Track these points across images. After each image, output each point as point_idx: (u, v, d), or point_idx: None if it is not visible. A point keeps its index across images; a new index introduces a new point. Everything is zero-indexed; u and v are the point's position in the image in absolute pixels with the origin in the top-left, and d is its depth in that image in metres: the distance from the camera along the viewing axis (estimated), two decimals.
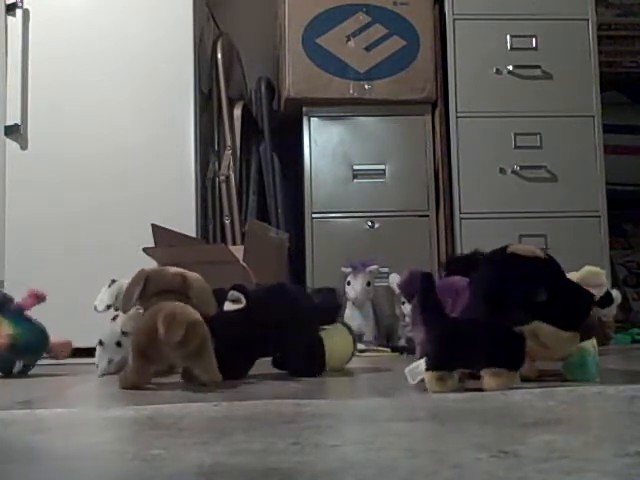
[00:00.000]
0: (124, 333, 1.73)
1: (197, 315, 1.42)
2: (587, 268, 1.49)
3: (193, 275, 1.51)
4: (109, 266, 2.37)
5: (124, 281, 1.73)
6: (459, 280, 1.62)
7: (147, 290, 1.48)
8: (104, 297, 1.77)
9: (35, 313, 2.34)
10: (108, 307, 1.76)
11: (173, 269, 1.52)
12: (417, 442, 0.79)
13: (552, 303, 1.21)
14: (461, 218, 2.63)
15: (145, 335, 1.40)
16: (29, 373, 1.90)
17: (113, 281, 1.79)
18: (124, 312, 1.58)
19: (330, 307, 1.71)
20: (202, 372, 1.43)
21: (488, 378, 1.19)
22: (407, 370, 1.30)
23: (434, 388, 1.21)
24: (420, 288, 1.29)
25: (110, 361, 1.74)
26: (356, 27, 2.74)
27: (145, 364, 1.43)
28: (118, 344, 1.74)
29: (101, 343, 1.75)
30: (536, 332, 1.23)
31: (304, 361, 1.60)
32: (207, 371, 1.42)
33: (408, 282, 1.66)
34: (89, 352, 1.78)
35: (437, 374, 1.21)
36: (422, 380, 1.25)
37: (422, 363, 1.27)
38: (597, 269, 1.53)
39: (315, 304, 1.67)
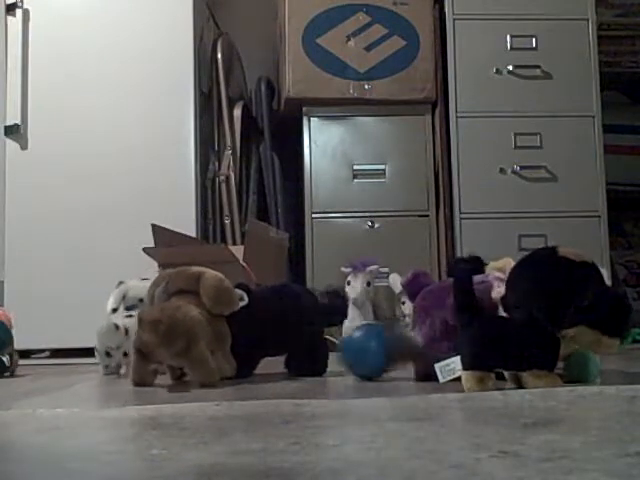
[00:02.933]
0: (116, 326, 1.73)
1: (187, 315, 1.40)
2: None
3: (209, 274, 1.50)
4: (109, 266, 2.38)
5: (130, 282, 1.75)
6: None
7: (167, 290, 1.49)
8: (111, 299, 1.78)
9: (36, 313, 2.35)
10: (114, 310, 1.76)
11: (195, 268, 1.53)
12: (417, 442, 0.78)
13: (597, 309, 1.21)
14: (461, 218, 2.63)
15: (138, 335, 1.41)
16: (27, 373, 1.90)
17: (120, 282, 1.80)
18: None
19: (335, 308, 1.71)
20: (191, 372, 1.42)
21: (531, 379, 1.20)
22: (437, 366, 1.30)
23: (473, 388, 1.21)
24: (456, 286, 1.28)
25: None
26: (356, 27, 2.74)
27: (143, 363, 1.43)
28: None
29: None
30: (578, 337, 1.23)
31: (306, 361, 1.60)
32: (196, 371, 1.41)
33: (411, 282, 1.67)
34: (89, 352, 1.78)
35: (477, 374, 1.21)
36: (456, 379, 1.25)
37: (455, 361, 1.26)
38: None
39: (320, 304, 1.67)
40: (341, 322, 1.74)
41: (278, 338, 1.58)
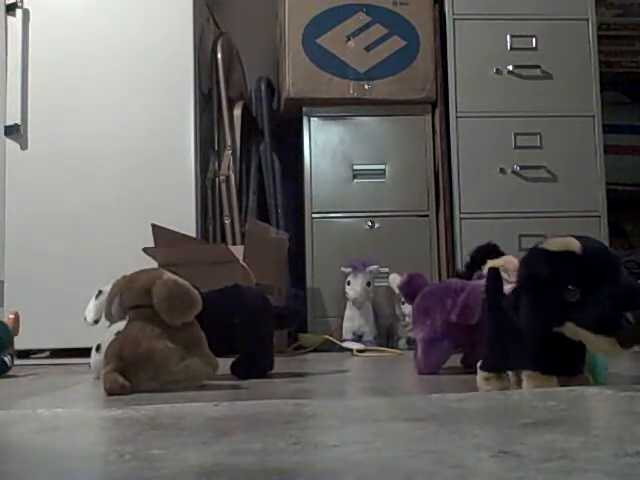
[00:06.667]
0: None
1: (148, 354, 1.37)
2: None
3: (157, 285, 1.41)
4: (109, 266, 2.37)
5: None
6: (457, 282, 1.63)
7: (123, 304, 1.45)
8: (91, 310, 1.76)
9: (36, 313, 2.35)
10: (95, 322, 1.75)
11: (143, 279, 1.45)
12: (417, 442, 0.78)
13: (585, 303, 1.10)
14: (461, 218, 2.63)
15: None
16: (27, 373, 1.90)
17: (100, 292, 1.78)
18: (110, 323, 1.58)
19: (288, 312, 1.71)
20: (173, 387, 1.39)
21: (525, 380, 1.19)
22: None
23: (484, 387, 1.24)
24: (488, 287, 1.27)
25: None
26: (356, 27, 2.74)
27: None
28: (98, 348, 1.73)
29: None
30: (571, 335, 1.19)
31: (245, 362, 1.59)
32: (177, 385, 1.38)
33: (407, 284, 1.67)
34: (89, 352, 1.77)
35: (487, 374, 1.24)
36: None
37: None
38: None
39: (270, 307, 1.65)
40: (292, 325, 1.75)
41: (224, 340, 1.56)
